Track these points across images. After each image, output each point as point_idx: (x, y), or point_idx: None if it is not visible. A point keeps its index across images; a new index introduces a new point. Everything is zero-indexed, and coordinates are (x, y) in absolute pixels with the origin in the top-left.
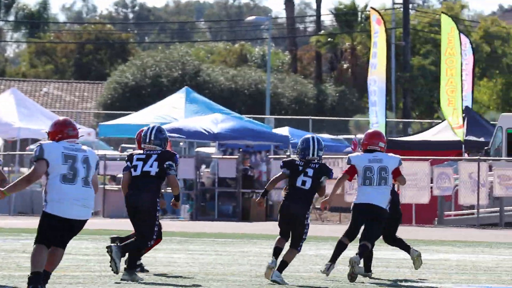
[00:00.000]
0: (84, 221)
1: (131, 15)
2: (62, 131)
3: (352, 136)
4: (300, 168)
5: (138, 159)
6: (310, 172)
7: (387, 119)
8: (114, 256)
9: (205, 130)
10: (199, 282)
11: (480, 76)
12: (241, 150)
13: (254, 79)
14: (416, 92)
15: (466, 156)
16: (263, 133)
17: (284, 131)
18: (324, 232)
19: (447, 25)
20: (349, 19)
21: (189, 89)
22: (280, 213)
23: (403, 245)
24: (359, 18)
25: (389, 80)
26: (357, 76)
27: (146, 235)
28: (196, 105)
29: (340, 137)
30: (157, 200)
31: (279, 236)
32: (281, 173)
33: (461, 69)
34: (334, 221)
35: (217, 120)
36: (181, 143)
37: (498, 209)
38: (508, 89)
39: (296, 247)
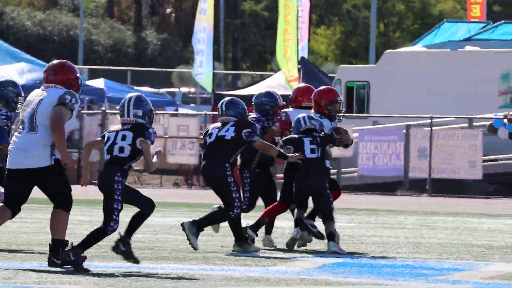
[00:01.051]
0: (24, 169)
1: None
2: (44, 74)
3: (176, 89)
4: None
5: (214, 128)
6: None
7: (214, 71)
8: (188, 232)
9: None
10: None
11: (317, 23)
12: None
13: (65, 25)
14: (247, 41)
15: None
16: None
17: (99, 83)
18: None
19: None
20: None
21: None
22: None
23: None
24: None
25: (217, 27)
26: (181, 23)
27: (226, 206)
28: None
29: (162, 90)
30: (227, 165)
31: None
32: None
33: (297, 16)
34: (154, 184)
35: (22, 70)
36: None
37: (335, 171)
38: (347, 38)
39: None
